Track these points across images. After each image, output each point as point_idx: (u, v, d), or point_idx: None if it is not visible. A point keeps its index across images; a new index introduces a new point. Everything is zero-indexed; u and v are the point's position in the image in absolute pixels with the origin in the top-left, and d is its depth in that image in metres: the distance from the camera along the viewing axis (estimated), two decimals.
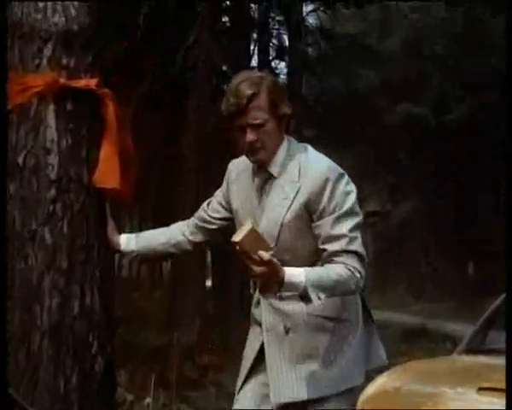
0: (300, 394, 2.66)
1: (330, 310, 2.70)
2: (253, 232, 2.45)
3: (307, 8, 15.68)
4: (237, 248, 2.44)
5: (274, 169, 2.71)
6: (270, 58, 15.31)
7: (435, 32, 21.17)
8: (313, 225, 2.65)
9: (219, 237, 3.04)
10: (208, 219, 2.96)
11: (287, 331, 2.71)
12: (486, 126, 20.82)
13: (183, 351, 9.18)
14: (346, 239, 2.60)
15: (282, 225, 2.67)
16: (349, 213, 2.63)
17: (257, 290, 2.77)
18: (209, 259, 15.07)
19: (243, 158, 2.83)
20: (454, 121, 21.17)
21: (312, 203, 2.63)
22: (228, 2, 13.87)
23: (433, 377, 4.05)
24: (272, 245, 2.58)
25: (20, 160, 2.80)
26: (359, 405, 3.70)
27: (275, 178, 2.72)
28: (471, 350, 4.40)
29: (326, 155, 2.76)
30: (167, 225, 3.08)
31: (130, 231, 3.11)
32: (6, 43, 2.82)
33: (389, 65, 21.69)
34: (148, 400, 6.90)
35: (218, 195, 2.95)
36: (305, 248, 2.68)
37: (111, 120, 2.86)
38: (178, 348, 8.70)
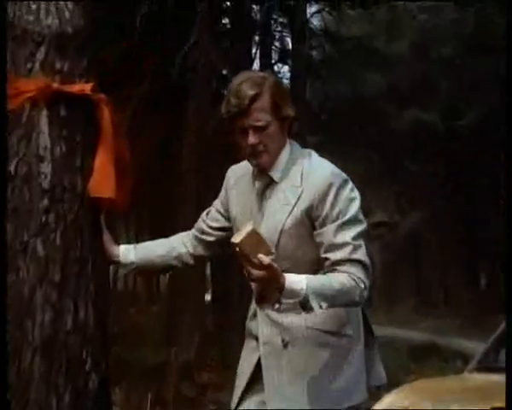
0: None
1: (331, 324, 2.69)
2: (254, 234, 2.44)
3: (311, 9, 15.74)
4: (237, 250, 2.44)
5: (275, 174, 2.71)
6: (273, 62, 15.36)
7: (445, 34, 21.20)
8: (315, 232, 2.64)
9: (218, 249, 3.03)
10: (207, 230, 2.95)
11: (285, 345, 2.69)
12: (500, 133, 20.81)
13: (180, 368, 9.18)
14: (350, 247, 2.59)
15: (281, 232, 2.66)
16: (353, 221, 2.62)
17: (253, 301, 2.76)
18: (208, 271, 15.07)
19: (243, 164, 2.83)
20: (465, 127, 21.17)
21: (315, 209, 2.63)
22: (228, 3, 13.89)
23: (443, 396, 4.05)
24: (273, 250, 2.56)
25: (12, 168, 2.80)
26: None
27: (276, 182, 2.72)
28: (483, 368, 4.41)
29: (330, 162, 2.75)
30: (165, 236, 3.08)
31: (127, 243, 3.09)
32: (6, 43, 2.82)
33: (396, 68, 21.75)
34: None
35: (217, 203, 2.95)
36: (305, 256, 2.67)
37: (106, 126, 2.86)
38: (176, 366, 8.70)
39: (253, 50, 14.42)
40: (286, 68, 16.96)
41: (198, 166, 10.90)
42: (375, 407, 3.86)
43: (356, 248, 2.59)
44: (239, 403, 2.78)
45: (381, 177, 26.73)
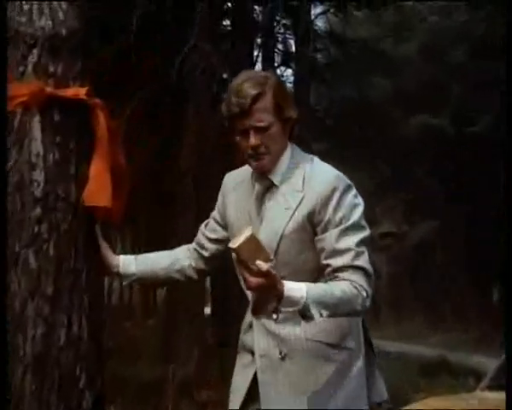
0: None
1: (332, 336, 2.67)
2: (253, 239, 2.43)
3: (316, 10, 15.74)
4: (234, 255, 2.43)
5: (276, 177, 2.71)
6: (276, 65, 15.37)
7: (456, 37, 21.22)
8: (316, 238, 2.63)
9: (217, 263, 3.03)
10: (205, 243, 2.95)
11: (283, 358, 2.67)
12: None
13: (179, 385, 9.15)
14: (352, 253, 2.58)
15: (282, 237, 2.65)
16: (356, 227, 2.62)
17: (248, 312, 2.74)
18: (208, 283, 15.06)
19: (242, 169, 2.84)
20: (478, 134, 21.15)
21: (317, 214, 2.62)
22: (229, 4, 13.91)
23: None
24: (272, 257, 2.55)
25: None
26: None
27: (276, 186, 2.71)
28: (496, 386, 4.39)
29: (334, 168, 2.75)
30: (163, 248, 3.07)
31: (123, 251, 3.07)
32: (6, 43, 2.82)
33: (405, 72, 21.76)
34: None
35: (215, 214, 2.95)
36: (306, 263, 2.67)
37: (102, 132, 2.86)
38: (174, 383, 8.68)
39: (255, 53, 14.44)
40: (289, 72, 17.01)
41: (197, 167, 10.92)
42: None
43: (358, 255, 2.59)
44: None
45: (389, 185, 26.72)
